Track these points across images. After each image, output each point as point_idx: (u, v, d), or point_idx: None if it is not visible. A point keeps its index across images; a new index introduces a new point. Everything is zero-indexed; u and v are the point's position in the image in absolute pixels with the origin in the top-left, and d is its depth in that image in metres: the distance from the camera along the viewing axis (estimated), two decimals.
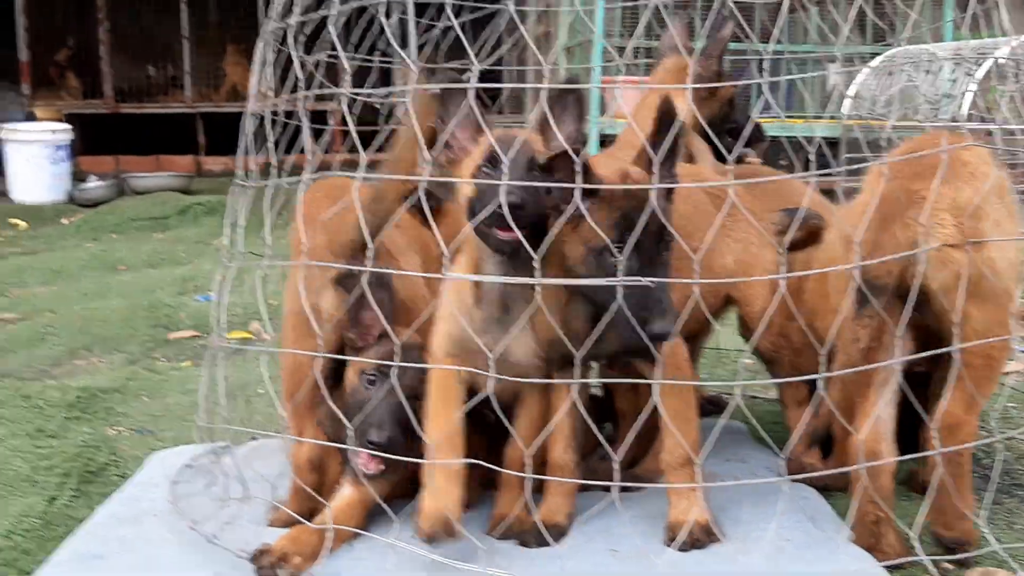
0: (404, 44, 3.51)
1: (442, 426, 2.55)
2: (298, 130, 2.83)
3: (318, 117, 2.81)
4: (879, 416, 2.60)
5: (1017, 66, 6.70)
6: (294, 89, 2.93)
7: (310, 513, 2.69)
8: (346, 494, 2.67)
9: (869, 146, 7.16)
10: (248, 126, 2.99)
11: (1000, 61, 5.83)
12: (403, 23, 3.59)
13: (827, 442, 2.91)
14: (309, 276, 2.69)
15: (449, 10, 2.62)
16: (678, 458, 2.61)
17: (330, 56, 3.58)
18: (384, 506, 2.58)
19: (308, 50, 3.21)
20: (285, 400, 2.77)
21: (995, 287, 2.51)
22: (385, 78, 2.98)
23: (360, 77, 3.01)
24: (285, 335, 2.75)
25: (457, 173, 2.54)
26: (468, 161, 2.53)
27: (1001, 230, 2.54)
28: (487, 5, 3.96)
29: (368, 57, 3.55)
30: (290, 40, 2.89)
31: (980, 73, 5.94)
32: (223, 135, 12.51)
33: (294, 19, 2.91)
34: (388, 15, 2.95)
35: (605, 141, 7.48)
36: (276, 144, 2.91)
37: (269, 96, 3.05)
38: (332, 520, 2.55)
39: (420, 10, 3.98)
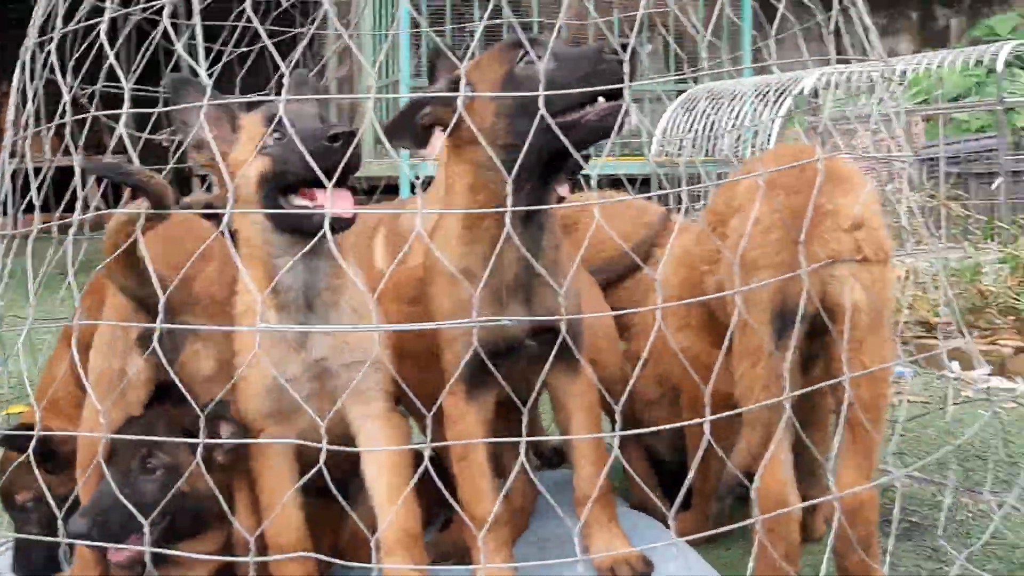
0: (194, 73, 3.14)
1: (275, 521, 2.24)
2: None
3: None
4: (782, 460, 2.35)
5: (816, 99, 6.85)
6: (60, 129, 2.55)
7: None
8: None
9: (677, 182, 7.23)
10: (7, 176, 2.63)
11: (803, 93, 5.90)
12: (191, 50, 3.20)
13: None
14: (114, 337, 2.34)
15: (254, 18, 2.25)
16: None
17: (106, 85, 3.19)
18: None
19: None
20: (79, 466, 2.39)
21: (889, 310, 2.34)
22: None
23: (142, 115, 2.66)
24: (88, 401, 2.36)
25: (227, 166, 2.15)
26: (242, 145, 2.19)
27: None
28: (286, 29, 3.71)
29: (147, 88, 3.17)
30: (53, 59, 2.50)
31: (784, 107, 5.99)
32: None
33: (57, 32, 2.51)
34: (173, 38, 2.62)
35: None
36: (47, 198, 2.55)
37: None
38: None
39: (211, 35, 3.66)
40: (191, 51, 2.82)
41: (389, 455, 2.27)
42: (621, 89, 2.07)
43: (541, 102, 1.95)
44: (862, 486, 2.30)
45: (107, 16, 2.28)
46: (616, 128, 2.10)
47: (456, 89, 2.11)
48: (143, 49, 3.15)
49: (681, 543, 2.50)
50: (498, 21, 6.40)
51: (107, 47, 2.25)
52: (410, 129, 2.19)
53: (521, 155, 2.02)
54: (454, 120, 2.07)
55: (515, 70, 2.18)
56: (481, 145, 2.07)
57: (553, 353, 2.12)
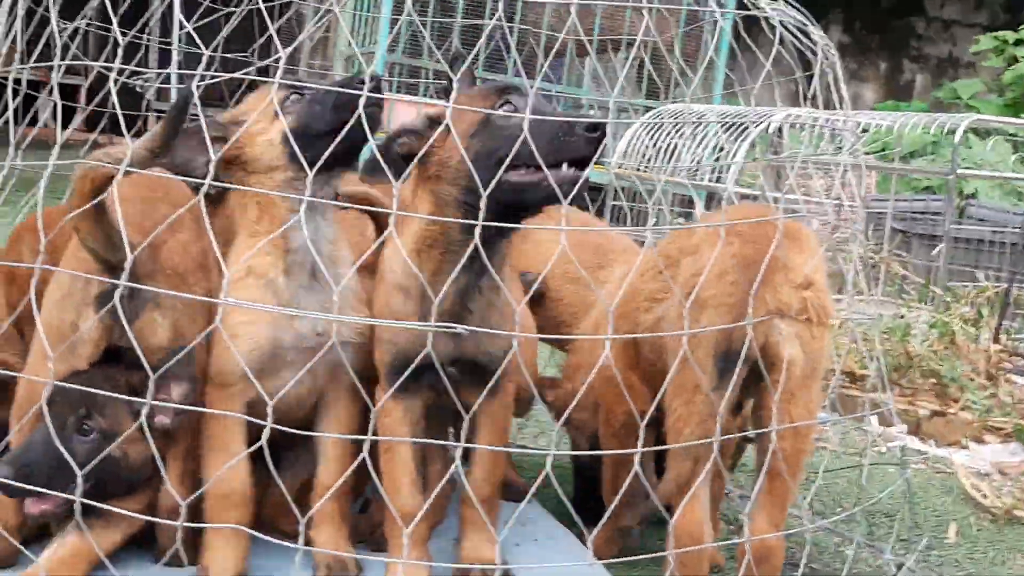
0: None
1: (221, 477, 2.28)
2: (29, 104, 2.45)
3: (63, 92, 2.42)
4: (701, 498, 2.44)
5: (779, 138, 6.99)
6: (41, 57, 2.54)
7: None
8: (67, 542, 2.25)
9: (636, 197, 7.34)
10: None
11: (770, 130, 6.01)
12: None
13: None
14: (72, 289, 2.29)
15: None
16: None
17: (90, 25, 3.17)
18: (106, 560, 2.21)
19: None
20: (15, 412, 2.37)
21: (823, 369, 2.45)
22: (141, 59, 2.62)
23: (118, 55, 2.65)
24: (35, 347, 2.34)
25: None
26: (256, 123, 2.32)
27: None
28: None
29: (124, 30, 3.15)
30: None
31: (747, 142, 6.10)
32: None
33: None
34: None
35: None
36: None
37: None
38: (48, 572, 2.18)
39: None
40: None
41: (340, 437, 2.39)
42: (586, 161, 2.18)
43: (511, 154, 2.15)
44: (772, 534, 2.40)
45: None
46: (568, 198, 2.19)
47: (435, 125, 2.26)
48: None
49: (595, 562, 2.59)
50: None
51: None
52: (390, 165, 2.24)
53: (483, 202, 2.10)
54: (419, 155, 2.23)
55: (493, 117, 2.25)
56: (443, 181, 2.27)
57: (483, 383, 2.27)
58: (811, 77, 2.70)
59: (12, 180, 2.56)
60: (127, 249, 2.04)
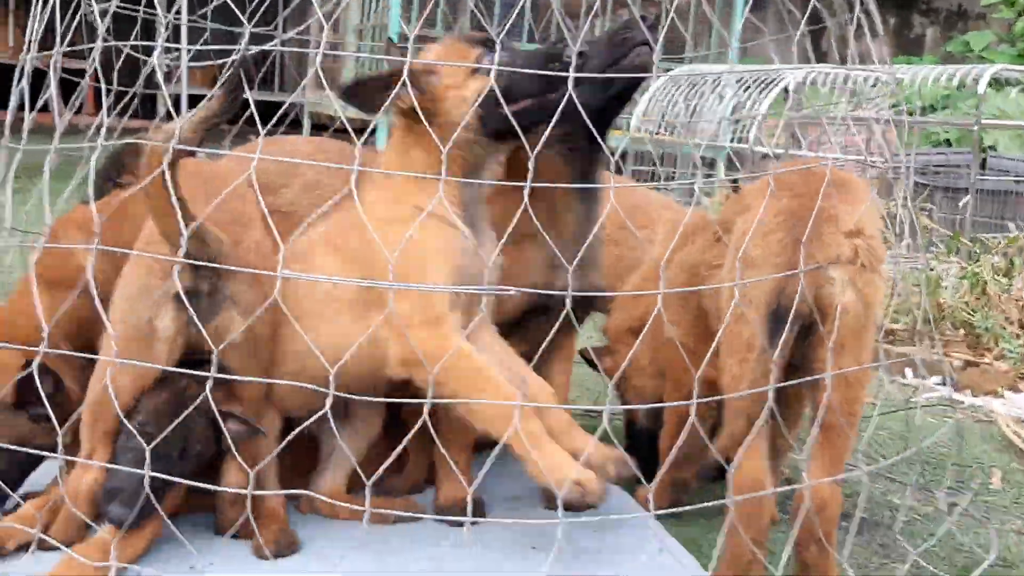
0: None
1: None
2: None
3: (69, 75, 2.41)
4: (760, 448, 2.43)
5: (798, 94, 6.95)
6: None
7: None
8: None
9: (650, 160, 7.33)
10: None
11: (791, 86, 5.99)
12: None
13: None
14: (149, 284, 2.25)
15: None
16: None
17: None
18: (172, 527, 2.20)
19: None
20: (87, 414, 2.32)
21: (876, 316, 2.44)
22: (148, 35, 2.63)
23: (120, 33, 2.65)
24: (106, 349, 2.27)
25: (440, 101, 2.36)
26: (450, 77, 2.36)
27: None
28: None
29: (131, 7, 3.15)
30: None
31: (769, 99, 6.09)
32: None
33: None
34: None
35: None
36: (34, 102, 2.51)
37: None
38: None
39: None
40: None
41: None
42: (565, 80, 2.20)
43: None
44: (831, 479, 2.42)
45: None
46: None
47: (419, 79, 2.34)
48: None
49: (649, 516, 2.62)
50: None
51: None
52: (377, 98, 2.30)
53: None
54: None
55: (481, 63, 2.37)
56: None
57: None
58: (822, 30, 2.68)
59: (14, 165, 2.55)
60: (219, 242, 2.09)
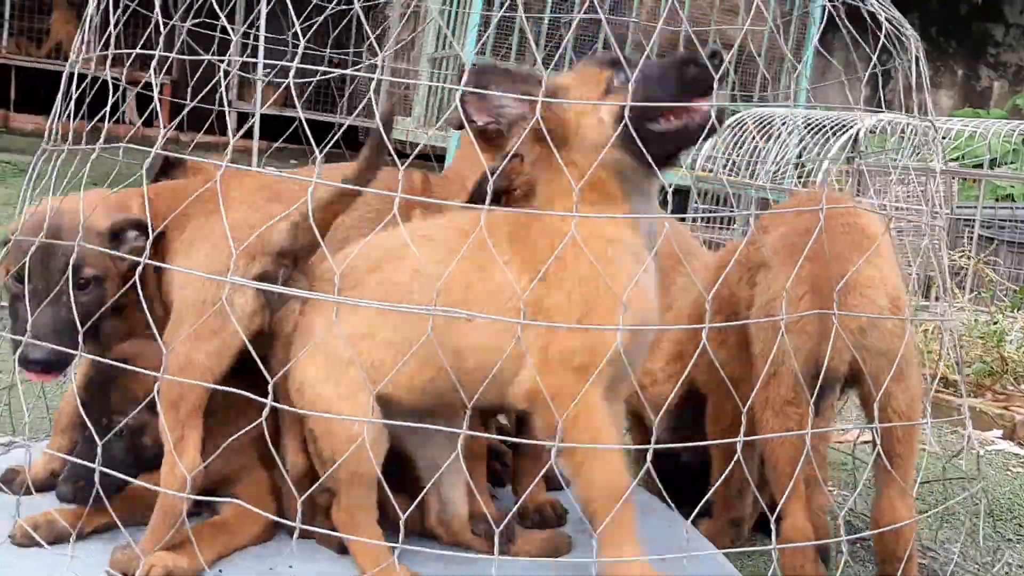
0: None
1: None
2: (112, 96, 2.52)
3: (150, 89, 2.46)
4: (803, 497, 2.55)
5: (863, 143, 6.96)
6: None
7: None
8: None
9: (720, 201, 7.35)
10: (63, 91, 2.63)
11: (861, 134, 6.00)
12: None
13: None
14: (228, 267, 2.28)
15: None
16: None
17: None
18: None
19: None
20: (167, 403, 2.31)
21: (912, 355, 2.58)
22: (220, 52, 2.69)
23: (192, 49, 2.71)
24: (180, 324, 2.31)
25: (574, 127, 2.22)
26: (579, 93, 2.22)
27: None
28: None
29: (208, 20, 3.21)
30: None
31: (839, 144, 6.10)
32: (39, 93, 11.65)
33: None
34: None
35: None
36: (94, 109, 2.57)
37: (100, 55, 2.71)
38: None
39: None
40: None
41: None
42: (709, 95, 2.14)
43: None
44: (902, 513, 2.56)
45: None
46: (706, 132, 2.16)
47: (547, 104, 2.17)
48: None
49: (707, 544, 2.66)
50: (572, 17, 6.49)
51: None
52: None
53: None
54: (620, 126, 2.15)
55: (614, 86, 2.23)
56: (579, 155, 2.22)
57: None
58: (886, 74, 2.70)
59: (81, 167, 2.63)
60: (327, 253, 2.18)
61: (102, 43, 2.59)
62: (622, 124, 2.13)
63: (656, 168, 2.17)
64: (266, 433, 2.17)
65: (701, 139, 2.17)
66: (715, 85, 2.10)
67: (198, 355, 2.27)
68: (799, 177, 6.78)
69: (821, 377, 2.43)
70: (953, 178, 7.73)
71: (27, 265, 2.37)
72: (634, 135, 2.11)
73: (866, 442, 2.95)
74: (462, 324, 2.15)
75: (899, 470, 2.55)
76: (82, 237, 2.34)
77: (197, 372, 2.26)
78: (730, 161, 7.08)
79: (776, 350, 2.46)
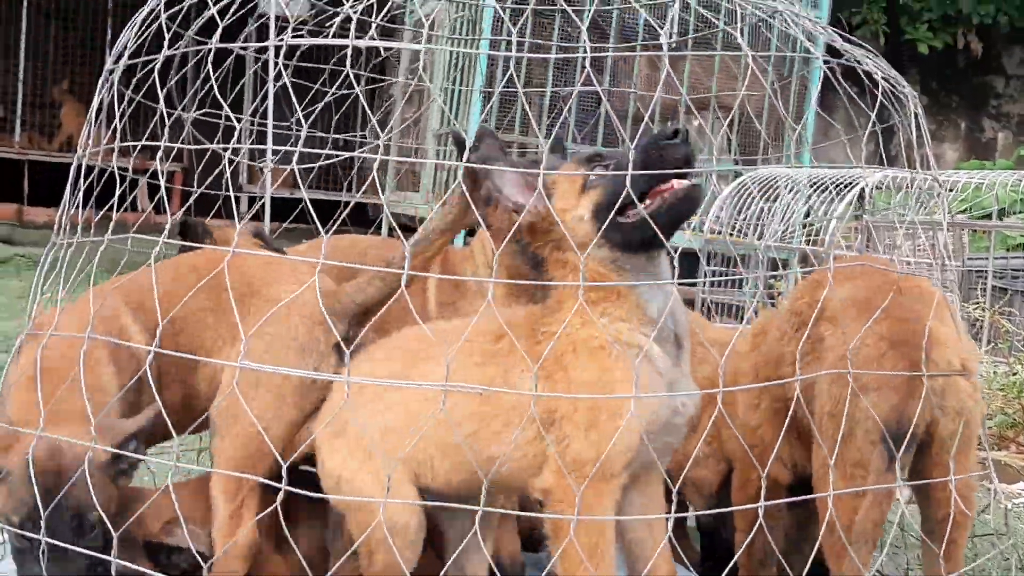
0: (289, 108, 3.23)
1: None
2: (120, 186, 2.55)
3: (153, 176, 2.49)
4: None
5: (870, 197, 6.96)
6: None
7: None
8: None
9: (729, 262, 7.35)
10: (72, 183, 2.68)
11: (868, 190, 6.01)
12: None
13: None
14: (309, 338, 2.35)
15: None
16: None
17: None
18: None
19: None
20: (226, 477, 2.38)
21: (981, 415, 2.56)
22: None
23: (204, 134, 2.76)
24: (249, 394, 2.33)
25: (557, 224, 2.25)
26: (562, 190, 2.27)
27: None
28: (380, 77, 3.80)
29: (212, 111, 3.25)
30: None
31: (845, 202, 6.11)
32: (51, 186, 11.82)
33: (124, 62, 2.63)
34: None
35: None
36: (105, 199, 2.61)
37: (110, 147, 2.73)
38: None
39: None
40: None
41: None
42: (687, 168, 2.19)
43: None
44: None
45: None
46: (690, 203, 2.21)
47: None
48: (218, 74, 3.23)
49: None
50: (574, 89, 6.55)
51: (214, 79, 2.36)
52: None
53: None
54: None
55: (590, 178, 2.27)
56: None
57: None
58: (889, 131, 2.71)
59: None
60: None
61: (109, 134, 2.63)
62: (608, 217, 2.17)
63: (645, 251, 2.22)
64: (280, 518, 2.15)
65: (687, 211, 2.21)
66: (689, 156, 2.14)
67: (277, 429, 2.36)
68: (807, 236, 6.78)
69: (907, 437, 2.37)
70: (963, 230, 7.73)
71: (26, 517, 2.23)
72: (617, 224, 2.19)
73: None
74: (489, 434, 2.19)
75: (953, 546, 2.49)
76: (85, 483, 2.22)
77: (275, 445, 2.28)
78: (736, 223, 7.09)
79: (850, 408, 2.37)
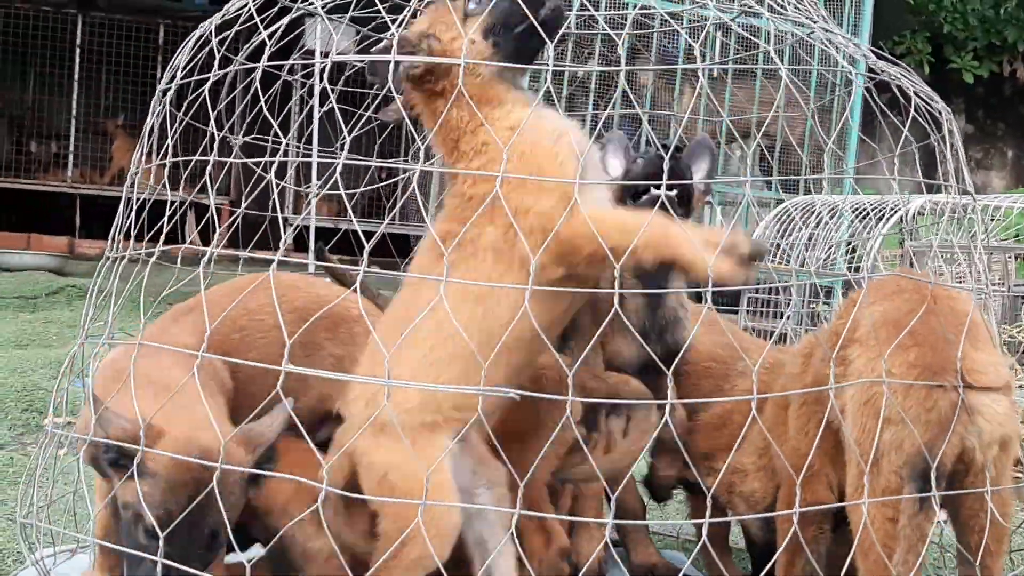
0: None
1: None
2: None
3: (201, 208, 2.56)
4: None
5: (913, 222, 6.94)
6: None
7: None
8: None
9: (770, 291, 7.34)
10: (123, 205, 2.77)
11: (909, 215, 6.00)
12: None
13: None
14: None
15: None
16: None
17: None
18: None
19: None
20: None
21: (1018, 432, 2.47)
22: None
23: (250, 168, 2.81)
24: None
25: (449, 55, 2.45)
26: (447, 33, 2.47)
27: None
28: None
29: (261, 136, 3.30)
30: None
31: (887, 227, 6.09)
32: (101, 219, 12.04)
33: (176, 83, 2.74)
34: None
35: None
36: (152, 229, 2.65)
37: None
38: None
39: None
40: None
41: None
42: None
43: None
44: None
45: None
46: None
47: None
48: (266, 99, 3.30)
49: None
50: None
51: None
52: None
53: None
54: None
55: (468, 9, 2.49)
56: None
57: None
58: (931, 157, 2.71)
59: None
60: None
61: (161, 154, 2.71)
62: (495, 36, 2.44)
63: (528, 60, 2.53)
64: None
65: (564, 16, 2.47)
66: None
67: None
68: (849, 263, 6.77)
69: (935, 466, 2.32)
70: (1008, 256, 7.67)
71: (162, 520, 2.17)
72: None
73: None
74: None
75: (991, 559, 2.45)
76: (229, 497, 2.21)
77: None
78: (779, 249, 7.09)
79: (880, 444, 2.36)
